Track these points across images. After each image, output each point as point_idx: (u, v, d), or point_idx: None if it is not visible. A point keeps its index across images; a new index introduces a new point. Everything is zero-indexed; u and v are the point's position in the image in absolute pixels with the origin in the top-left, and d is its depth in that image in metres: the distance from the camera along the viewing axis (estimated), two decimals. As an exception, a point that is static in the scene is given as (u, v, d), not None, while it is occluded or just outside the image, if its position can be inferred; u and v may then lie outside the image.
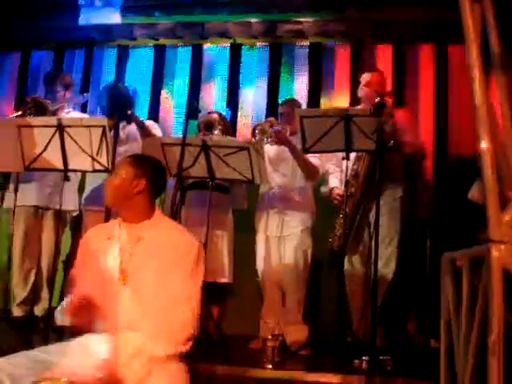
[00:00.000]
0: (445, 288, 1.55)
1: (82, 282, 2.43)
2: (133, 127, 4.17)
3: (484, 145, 1.41)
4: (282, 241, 4.19)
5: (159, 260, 2.40)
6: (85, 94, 4.82)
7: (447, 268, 1.52)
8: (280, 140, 4.00)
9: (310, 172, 4.12)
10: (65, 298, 2.54)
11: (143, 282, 2.38)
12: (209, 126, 4.22)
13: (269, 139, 3.96)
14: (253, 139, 3.96)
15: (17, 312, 4.31)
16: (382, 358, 3.31)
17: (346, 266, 4.08)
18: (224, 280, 4.23)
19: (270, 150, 4.17)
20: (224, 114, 4.73)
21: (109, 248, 2.46)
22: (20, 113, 4.08)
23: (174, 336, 2.30)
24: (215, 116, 4.40)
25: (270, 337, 3.43)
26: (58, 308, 2.52)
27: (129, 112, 3.94)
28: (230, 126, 4.69)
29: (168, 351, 2.25)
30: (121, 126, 4.02)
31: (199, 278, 2.46)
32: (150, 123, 4.35)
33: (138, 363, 2.20)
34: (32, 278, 4.34)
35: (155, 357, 2.23)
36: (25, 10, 5.82)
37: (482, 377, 1.36)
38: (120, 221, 2.52)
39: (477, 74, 1.39)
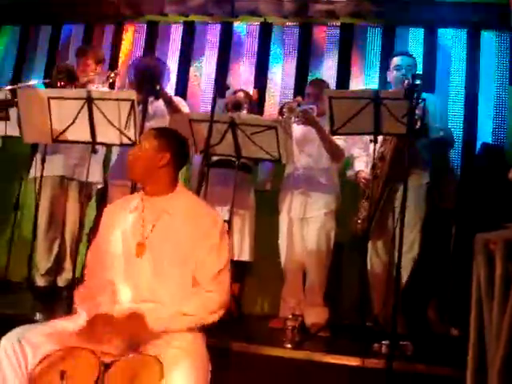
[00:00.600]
0: (477, 270, 1.52)
1: (106, 258, 2.46)
2: (161, 103, 4.15)
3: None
4: (305, 222, 4.17)
5: (181, 232, 2.41)
6: (116, 71, 4.82)
7: (480, 249, 1.49)
8: (307, 120, 3.96)
9: (336, 154, 4.08)
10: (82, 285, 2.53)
11: (164, 255, 2.40)
12: (237, 106, 4.21)
13: (296, 119, 3.92)
14: (280, 117, 3.92)
15: (40, 282, 4.37)
16: (402, 342, 3.29)
17: (369, 250, 4.06)
18: (245, 258, 4.23)
19: (296, 130, 4.11)
20: (250, 92, 4.70)
21: (130, 220, 2.48)
22: (50, 80, 4.09)
23: (208, 305, 2.34)
24: (240, 94, 4.38)
25: (290, 316, 3.43)
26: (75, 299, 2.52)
27: (157, 87, 3.92)
28: (256, 105, 4.66)
29: (199, 313, 2.31)
30: (149, 100, 4.01)
31: (226, 251, 2.49)
32: (177, 100, 4.33)
33: (163, 311, 2.26)
34: (56, 249, 4.39)
35: (185, 314, 2.28)
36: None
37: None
38: (142, 194, 2.53)
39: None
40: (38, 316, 3.35)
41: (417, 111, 3.40)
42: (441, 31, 5.35)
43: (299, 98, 4.09)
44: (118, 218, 2.52)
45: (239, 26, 5.80)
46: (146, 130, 3.61)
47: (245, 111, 4.23)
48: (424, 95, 3.47)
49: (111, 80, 4.59)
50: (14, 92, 3.95)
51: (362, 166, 4.17)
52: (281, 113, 3.90)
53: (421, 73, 4.39)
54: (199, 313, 2.31)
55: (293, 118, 3.86)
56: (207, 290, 2.38)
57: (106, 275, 2.43)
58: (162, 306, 2.30)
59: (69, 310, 3.40)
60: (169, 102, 4.08)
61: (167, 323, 2.25)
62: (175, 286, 2.38)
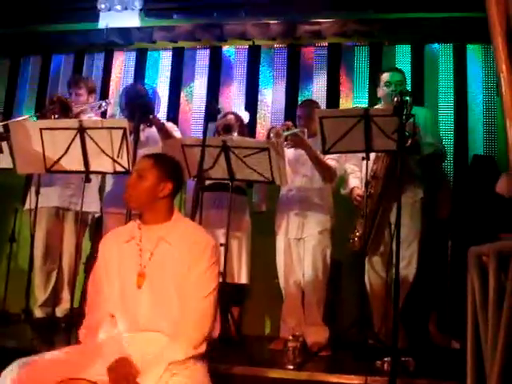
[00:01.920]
0: (471, 283, 1.53)
1: (107, 290, 2.45)
2: (153, 130, 4.18)
3: (510, 135, 1.39)
4: (302, 242, 4.17)
5: (178, 260, 2.40)
6: (107, 100, 4.85)
7: (474, 262, 1.50)
8: (296, 143, 3.98)
9: (327, 174, 4.09)
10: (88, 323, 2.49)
11: (163, 283, 2.38)
12: (227, 129, 4.23)
13: (284, 142, 3.93)
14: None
15: (38, 313, 4.35)
16: (404, 359, 3.28)
17: (367, 267, 4.06)
18: (242, 281, 4.23)
19: (289, 152, 4.14)
20: (240, 115, 4.71)
21: (128, 250, 2.46)
22: (43, 112, 4.12)
23: (192, 337, 2.30)
24: (231, 117, 4.41)
25: (290, 337, 3.42)
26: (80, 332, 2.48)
27: (150, 116, 3.95)
28: (246, 127, 4.69)
29: (188, 354, 2.26)
30: (141, 128, 4.03)
31: (214, 276, 2.45)
32: (169, 125, 4.35)
33: (160, 369, 2.20)
34: (53, 280, 4.39)
35: (176, 361, 2.23)
36: (45, 14, 5.88)
37: (511, 374, 1.33)
38: (139, 223, 2.51)
39: (503, 66, 1.38)
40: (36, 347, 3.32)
41: (407, 128, 3.43)
42: (427, 46, 5.41)
43: (289, 123, 4.09)
44: (114, 248, 2.49)
45: (228, 49, 5.86)
46: (139, 156, 3.65)
47: (235, 134, 4.24)
48: (414, 109, 3.49)
49: (103, 109, 4.64)
50: (6, 125, 3.96)
51: (356, 182, 4.19)
52: (268, 137, 3.90)
53: (409, 90, 4.44)
54: (189, 351, 2.26)
55: (281, 141, 3.87)
56: (189, 315, 2.34)
57: (106, 308, 2.42)
58: (153, 365, 2.23)
59: (68, 341, 3.40)
60: (161, 129, 4.10)
61: (169, 377, 2.20)
62: (174, 313, 2.36)
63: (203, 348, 2.33)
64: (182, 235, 2.46)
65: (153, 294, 2.37)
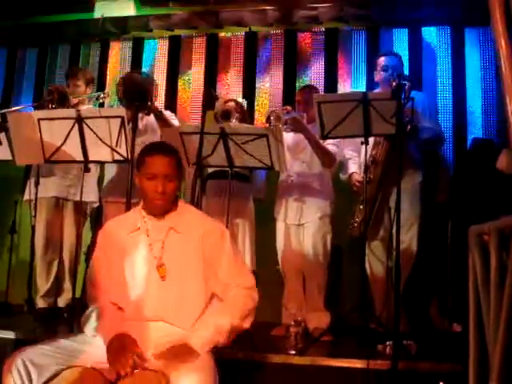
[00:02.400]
0: (473, 263, 1.53)
1: (108, 281, 2.44)
2: (151, 118, 4.17)
3: (511, 111, 1.38)
4: (301, 228, 4.18)
5: (191, 249, 2.41)
6: (105, 92, 4.84)
7: (474, 242, 1.49)
8: (296, 127, 3.97)
9: (327, 159, 4.08)
10: (91, 308, 2.46)
11: (185, 273, 2.40)
12: (226, 115, 4.21)
13: (284, 126, 3.92)
14: (267, 125, 3.93)
15: (40, 303, 4.36)
16: (405, 342, 3.29)
17: (367, 251, 4.08)
18: (246, 267, 4.23)
19: (288, 137, 4.13)
20: (241, 102, 4.71)
21: (136, 242, 2.45)
22: (40, 101, 4.11)
23: (239, 309, 2.35)
24: (232, 104, 4.39)
25: (292, 323, 3.43)
26: (87, 323, 2.42)
27: (148, 103, 3.93)
28: (247, 114, 4.68)
29: (234, 323, 2.30)
30: (139, 116, 4.02)
31: (240, 255, 2.58)
32: (168, 114, 4.34)
33: (207, 332, 2.24)
34: (54, 270, 4.40)
35: (220, 326, 2.27)
36: (41, 5, 5.84)
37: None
38: (143, 213, 2.50)
39: (502, 41, 1.37)
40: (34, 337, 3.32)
41: (405, 112, 3.42)
42: (425, 30, 5.39)
43: (288, 107, 4.09)
44: (115, 239, 2.48)
45: (224, 36, 5.83)
46: (137, 145, 3.64)
47: (234, 120, 4.22)
48: (412, 94, 3.49)
49: (101, 101, 4.62)
50: (3, 116, 3.95)
51: (355, 167, 4.19)
52: (268, 121, 3.89)
53: (407, 73, 4.42)
54: (235, 321, 2.31)
55: (280, 125, 3.86)
56: (236, 293, 2.39)
57: (105, 299, 2.42)
58: (200, 328, 2.28)
59: (70, 330, 3.41)
60: (159, 117, 4.09)
61: (212, 343, 2.24)
62: (189, 302, 2.38)
63: (248, 323, 2.37)
64: (191, 223, 2.47)
65: (176, 287, 2.38)
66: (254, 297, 2.44)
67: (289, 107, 4.07)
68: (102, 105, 5.14)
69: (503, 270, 1.36)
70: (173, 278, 2.39)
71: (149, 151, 2.45)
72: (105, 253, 2.50)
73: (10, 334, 3.45)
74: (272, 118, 3.87)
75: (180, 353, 2.15)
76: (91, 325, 2.37)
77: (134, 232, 2.47)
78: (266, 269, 4.46)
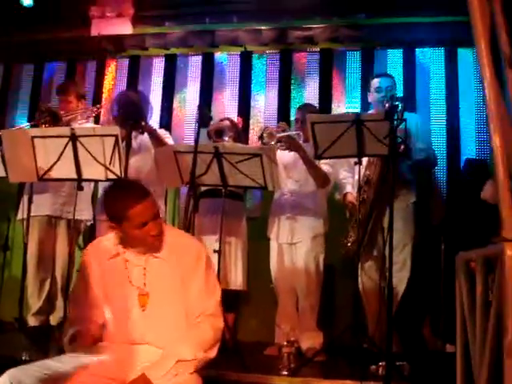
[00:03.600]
0: (459, 289, 1.54)
1: (90, 303, 2.42)
2: (145, 137, 4.18)
3: (495, 142, 1.39)
4: (294, 247, 4.18)
5: (171, 274, 2.39)
6: (97, 106, 4.85)
7: (462, 268, 1.50)
8: (290, 145, 3.97)
9: (321, 179, 4.08)
10: (70, 328, 2.45)
11: (167, 297, 2.38)
12: (219, 133, 4.22)
13: (278, 144, 3.93)
14: (260, 143, 3.93)
15: (32, 322, 4.33)
16: (398, 363, 3.28)
17: (361, 271, 4.07)
18: (238, 287, 4.22)
19: (284, 156, 4.13)
20: (235, 120, 4.73)
21: (113, 267, 2.43)
22: (34, 122, 4.12)
23: (203, 340, 2.31)
24: (226, 122, 4.40)
25: (285, 343, 3.41)
26: (65, 340, 2.44)
27: (142, 123, 3.95)
28: (241, 133, 4.69)
29: (198, 355, 2.26)
30: (133, 135, 4.03)
31: (215, 282, 2.49)
32: (162, 132, 4.35)
33: (168, 364, 2.20)
34: (47, 288, 4.38)
35: (184, 360, 2.22)
36: (37, 22, 5.88)
37: (499, 378, 1.34)
38: (120, 239, 2.45)
39: (487, 72, 1.39)
40: (24, 356, 3.30)
41: (398, 133, 3.44)
42: (418, 51, 5.43)
43: (283, 124, 4.11)
44: (95, 264, 2.46)
45: (220, 55, 5.86)
46: (131, 164, 3.64)
47: (227, 138, 4.22)
48: (406, 115, 3.51)
49: (94, 114, 4.63)
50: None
51: (348, 188, 4.20)
52: (261, 138, 3.90)
53: (401, 95, 4.45)
54: (199, 353, 2.27)
55: (273, 142, 3.87)
56: (199, 322, 2.36)
57: (86, 320, 2.40)
58: (161, 359, 2.24)
59: (62, 349, 3.39)
60: (153, 136, 4.09)
61: (171, 375, 2.19)
62: (172, 326, 2.36)
63: (213, 353, 2.34)
64: (171, 247, 2.44)
65: (156, 312, 2.36)
66: (219, 326, 2.40)
67: (284, 125, 4.08)
68: (97, 119, 5.15)
69: (488, 296, 1.36)
70: (155, 303, 2.37)
71: (128, 204, 2.30)
72: (88, 274, 2.47)
73: (0, 352, 3.42)
74: (265, 135, 3.88)
75: None
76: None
77: (113, 257, 2.44)
78: (260, 288, 4.45)
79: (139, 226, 2.31)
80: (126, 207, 2.29)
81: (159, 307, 2.37)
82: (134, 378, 2.16)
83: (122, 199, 2.32)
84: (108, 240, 2.51)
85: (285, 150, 4.04)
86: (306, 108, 4.40)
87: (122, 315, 2.37)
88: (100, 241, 2.59)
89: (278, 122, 5.25)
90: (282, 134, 3.94)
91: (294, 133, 4.06)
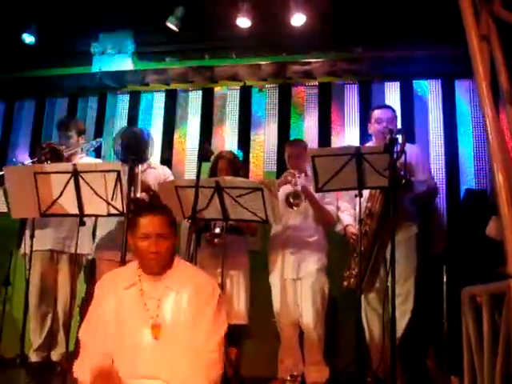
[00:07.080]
0: (466, 324, 1.54)
1: (103, 334, 2.43)
2: (149, 172, 4.21)
3: (499, 181, 1.41)
4: (299, 282, 4.17)
5: (190, 306, 2.41)
6: (97, 139, 4.89)
7: (467, 304, 1.51)
8: (306, 196, 4.05)
9: (326, 220, 4.17)
10: (81, 362, 2.47)
11: (179, 331, 2.39)
12: (296, 196, 4.18)
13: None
14: (288, 207, 4.02)
15: (34, 358, 4.29)
16: (403, 397, 3.25)
17: (364, 304, 4.05)
18: (240, 321, 4.19)
19: (285, 189, 4.16)
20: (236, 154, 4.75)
21: (129, 297, 2.45)
22: (36, 159, 4.14)
23: (207, 377, 2.32)
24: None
25: (288, 378, 3.39)
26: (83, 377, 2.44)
27: (144, 156, 3.98)
28: (242, 167, 4.71)
29: None
30: (141, 168, 4.04)
31: (223, 318, 2.49)
32: (165, 172, 4.42)
33: None
34: (48, 323, 4.34)
35: None
36: (39, 58, 5.96)
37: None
38: (139, 271, 2.50)
39: (488, 111, 1.41)
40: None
41: (399, 166, 3.46)
42: (416, 83, 5.49)
43: (293, 172, 4.14)
44: (111, 294, 2.48)
45: (219, 91, 5.93)
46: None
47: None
48: (406, 146, 3.53)
49: (94, 148, 4.67)
50: (-1, 169, 3.98)
51: (349, 219, 4.21)
52: (288, 202, 3.98)
53: (401, 128, 4.48)
54: None
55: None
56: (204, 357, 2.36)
57: (100, 352, 2.40)
58: None
59: (64, 384, 3.36)
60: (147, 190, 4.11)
61: None
62: (183, 361, 2.36)
63: None
64: (185, 281, 2.47)
65: (168, 347, 2.37)
66: (220, 365, 2.41)
67: (293, 171, 4.12)
68: (98, 154, 5.18)
69: (496, 332, 1.37)
70: (167, 336, 2.38)
71: (140, 211, 2.47)
72: (100, 305, 2.49)
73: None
74: (291, 198, 3.96)
75: None
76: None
77: (129, 288, 2.47)
78: (261, 322, 4.42)
79: (141, 237, 2.41)
80: (137, 213, 2.47)
81: (171, 340, 2.38)
82: None
83: (140, 206, 2.62)
84: (129, 267, 2.57)
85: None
86: (298, 143, 4.47)
87: (134, 347, 2.37)
88: (117, 271, 2.65)
89: (277, 156, 5.32)
90: (301, 189, 4.00)
91: (293, 172, 4.10)
